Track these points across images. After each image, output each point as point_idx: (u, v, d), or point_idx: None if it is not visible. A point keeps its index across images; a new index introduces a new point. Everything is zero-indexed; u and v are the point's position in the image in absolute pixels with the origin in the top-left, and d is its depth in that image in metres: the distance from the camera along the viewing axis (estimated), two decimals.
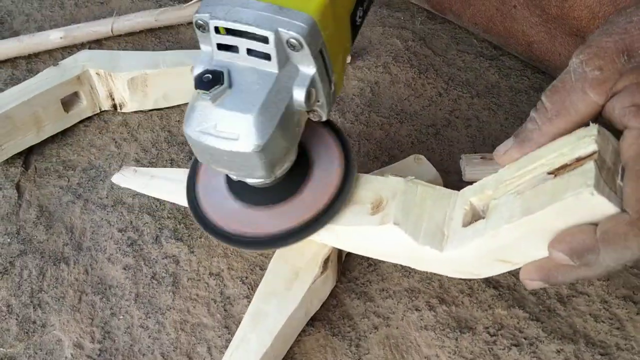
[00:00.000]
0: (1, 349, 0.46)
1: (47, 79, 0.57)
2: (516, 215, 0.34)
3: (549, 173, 0.34)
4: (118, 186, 0.55)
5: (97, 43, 0.69)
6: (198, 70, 0.39)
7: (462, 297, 0.47)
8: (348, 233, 0.42)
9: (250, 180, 0.42)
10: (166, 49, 0.68)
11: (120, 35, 0.69)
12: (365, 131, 0.59)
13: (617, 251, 0.31)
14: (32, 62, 0.67)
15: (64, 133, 0.60)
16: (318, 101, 0.39)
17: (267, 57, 0.37)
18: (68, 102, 0.59)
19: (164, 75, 0.59)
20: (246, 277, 0.49)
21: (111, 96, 0.60)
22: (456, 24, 0.69)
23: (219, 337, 0.46)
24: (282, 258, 0.44)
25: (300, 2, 0.37)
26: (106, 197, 0.55)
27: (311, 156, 0.45)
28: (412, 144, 0.58)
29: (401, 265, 0.48)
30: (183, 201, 0.47)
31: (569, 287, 0.47)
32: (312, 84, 0.38)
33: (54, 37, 0.67)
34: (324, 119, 0.41)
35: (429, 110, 0.60)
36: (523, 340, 0.44)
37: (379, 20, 0.70)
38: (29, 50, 0.67)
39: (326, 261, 0.43)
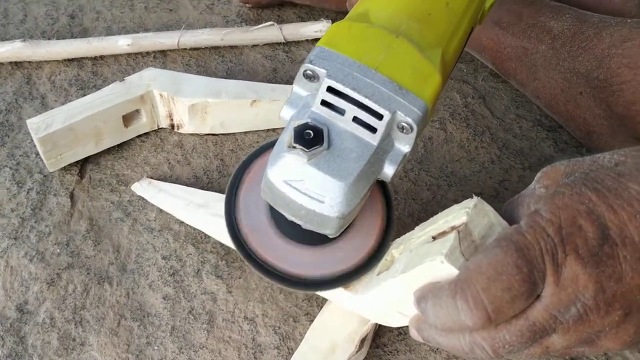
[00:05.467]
0: None
1: (112, 94, 0.58)
2: (399, 271, 0.38)
3: (433, 237, 0.36)
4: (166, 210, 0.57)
5: (161, 54, 0.70)
6: (295, 121, 0.38)
7: None
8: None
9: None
10: (228, 69, 0.69)
11: (185, 49, 0.70)
12: (412, 190, 0.59)
13: (436, 305, 0.33)
14: (98, 65, 0.68)
15: (121, 146, 0.61)
16: None
17: (372, 129, 0.37)
18: (128, 117, 0.60)
19: (224, 105, 0.60)
20: (279, 327, 0.50)
21: (170, 117, 0.61)
22: None
23: None
24: (322, 329, 0.45)
25: (418, 86, 0.37)
26: (154, 220, 0.56)
27: None
28: None
29: None
30: (180, 215, 0.54)
31: None
32: (403, 160, 0.39)
33: (121, 44, 0.68)
34: (388, 181, 0.40)
35: (479, 177, 0.61)
36: None
37: None
38: (96, 52, 0.68)
39: (363, 340, 0.45)
